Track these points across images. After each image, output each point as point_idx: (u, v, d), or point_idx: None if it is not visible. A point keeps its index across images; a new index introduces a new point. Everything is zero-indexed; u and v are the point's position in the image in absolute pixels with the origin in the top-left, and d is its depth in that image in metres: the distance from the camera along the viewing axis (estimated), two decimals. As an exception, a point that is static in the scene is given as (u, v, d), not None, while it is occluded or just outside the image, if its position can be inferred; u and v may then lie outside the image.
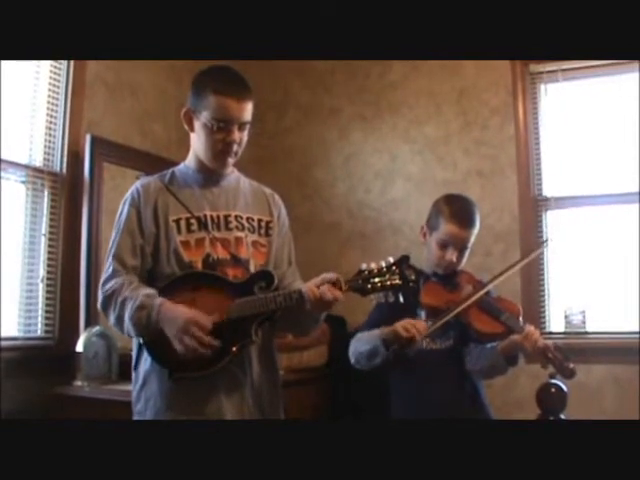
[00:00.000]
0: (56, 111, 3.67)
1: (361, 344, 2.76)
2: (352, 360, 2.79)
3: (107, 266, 2.28)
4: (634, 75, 4.12)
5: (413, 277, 2.14)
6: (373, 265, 2.15)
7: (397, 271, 2.13)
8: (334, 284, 2.13)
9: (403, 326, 2.58)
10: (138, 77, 4.10)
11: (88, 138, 3.67)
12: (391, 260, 2.15)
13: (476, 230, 2.81)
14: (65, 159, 3.65)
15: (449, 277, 2.83)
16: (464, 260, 2.84)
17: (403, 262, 2.14)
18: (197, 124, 2.30)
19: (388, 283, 2.13)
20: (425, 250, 2.90)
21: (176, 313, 2.12)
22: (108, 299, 2.22)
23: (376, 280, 2.13)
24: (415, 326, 2.57)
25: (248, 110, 2.29)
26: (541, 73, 4.34)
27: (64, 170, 3.65)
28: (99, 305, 2.28)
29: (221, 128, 2.25)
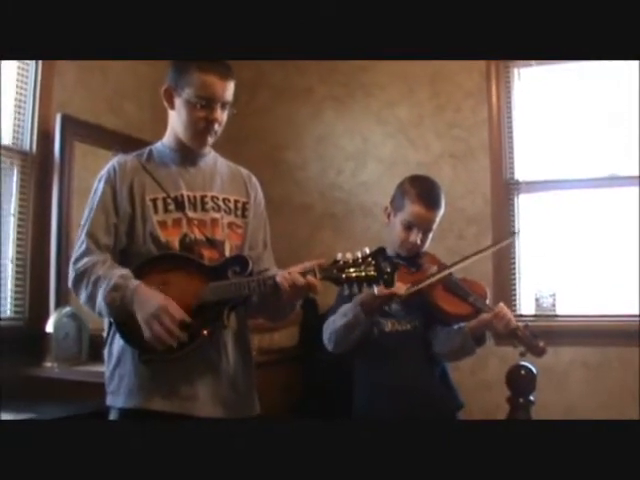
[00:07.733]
0: (25, 89, 3.61)
1: (337, 320, 2.68)
2: (329, 344, 2.72)
3: (79, 243, 2.24)
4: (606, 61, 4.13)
5: (389, 269, 2.10)
6: (349, 255, 2.10)
7: (373, 263, 2.09)
8: (309, 272, 2.12)
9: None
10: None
11: (58, 117, 3.63)
12: (367, 251, 2.10)
13: (441, 212, 2.79)
14: (35, 138, 3.60)
15: (412, 259, 2.80)
16: (427, 242, 2.81)
17: (379, 254, 2.10)
18: (178, 101, 2.29)
19: (363, 274, 2.09)
20: (388, 231, 2.88)
21: (150, 298, 2.10)
22: (80, 277, 2.19)
23: (351, 270, 2.09)
24: None
25: (230, 89, 2.29)
26: (514, 57, 4.35)
27: (34, 149, 3.60)
28: (70, 283, 2.25)
29: (204, 106, 2.25)
